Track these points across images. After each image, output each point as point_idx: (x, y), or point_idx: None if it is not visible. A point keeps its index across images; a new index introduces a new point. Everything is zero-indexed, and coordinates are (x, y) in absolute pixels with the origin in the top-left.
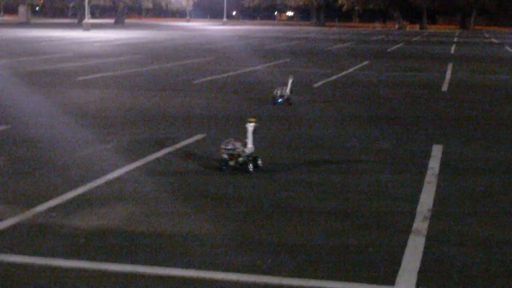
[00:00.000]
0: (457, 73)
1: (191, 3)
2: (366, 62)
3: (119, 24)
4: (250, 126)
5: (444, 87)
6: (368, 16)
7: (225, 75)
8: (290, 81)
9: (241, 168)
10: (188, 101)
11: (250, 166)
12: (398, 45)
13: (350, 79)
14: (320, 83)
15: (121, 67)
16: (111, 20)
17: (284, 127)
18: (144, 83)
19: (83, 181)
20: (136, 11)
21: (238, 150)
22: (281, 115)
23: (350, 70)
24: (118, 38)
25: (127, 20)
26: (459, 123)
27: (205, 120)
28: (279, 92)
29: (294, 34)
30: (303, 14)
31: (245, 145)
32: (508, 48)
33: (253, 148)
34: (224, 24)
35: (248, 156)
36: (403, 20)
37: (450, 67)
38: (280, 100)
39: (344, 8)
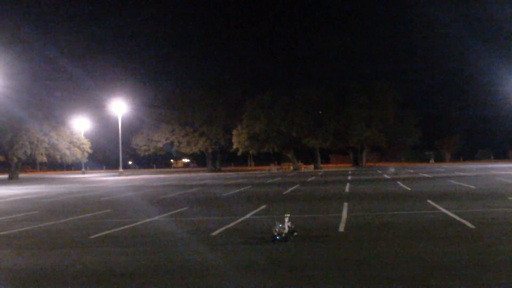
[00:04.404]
0: (353, 212)
1: (86, 155)
2: (263, 207)
3: (13, 179)
4: (286, 218)
5: (341, 228)
6: (263, 158)
7: (123, 228)
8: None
9: (284, 239)
10: (85, 258)
11: (289, 238)
12: (294, 187)
13: (248, 225)
14: (218, 231)
15: (16, 225)
16: (5, 176)
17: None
18: (40, 241)
19: None
20: (31, 164)
21: (282, 230)
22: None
23: (248, 215)
24: (13, 194)
25: (21, 175)
26: (358, 265)
27: (104, 278)
28: (277, 229)
29: (190, 181)
30: (198, 160)
31: (284, 228)
32: (400, 183)
33: (287, 229)
34: (120, 174)
35: (286, 233)
36: (297, 161)
37: (345, 206)
38: (278, 237)
39: (239, 153)
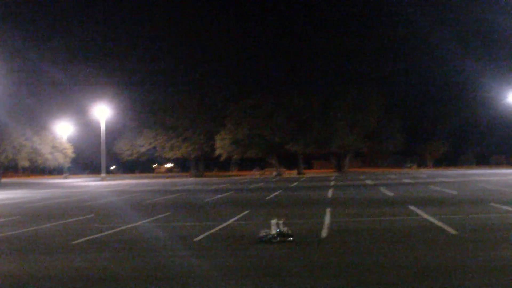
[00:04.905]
0: (336, 218)
1: (68, 159)
2: (246, 212)
3: None
4: (273, 222)
5: (324, 233)
6: (246, 164)
7: (105, 233)
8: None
9: (269, 241)
10: (67, 263)
11: (274, 241)
12: (277, 192)
13: (231, 230)
14: (201, 236)
15: None
16: None
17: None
18: (21, 246)
19: None
20: (13, 169)
21: (267, 233)
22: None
23: (231, 221)
24: None
25: (3, 179)
26: (341, 270)
27: (85, 283)
28: (264, 233)
29: (173, 186)
30: (181, 165)
31: (271, 231)
32: (382, 189)
33: (272, 233)
34: (103, 179)
35: (272, 236)
36: (280, 167)
37: (328, 211)
38: (263, 239)
39: (222, 158)
